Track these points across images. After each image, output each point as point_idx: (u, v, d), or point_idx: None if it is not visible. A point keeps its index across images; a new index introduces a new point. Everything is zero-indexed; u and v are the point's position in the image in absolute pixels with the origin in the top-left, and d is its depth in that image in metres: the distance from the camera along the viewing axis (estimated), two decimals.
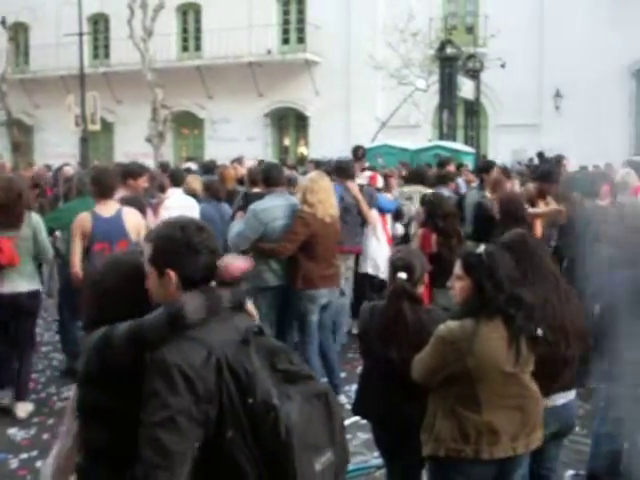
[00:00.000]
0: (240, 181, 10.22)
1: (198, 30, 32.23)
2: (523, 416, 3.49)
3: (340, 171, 8.18)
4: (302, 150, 31.34)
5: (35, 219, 6.54)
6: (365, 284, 8.20)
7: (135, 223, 6.54)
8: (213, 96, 31.27)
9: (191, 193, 8.67)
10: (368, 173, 8.89)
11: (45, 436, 6.14)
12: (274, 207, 6.55)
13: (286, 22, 31.22)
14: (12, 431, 6.29)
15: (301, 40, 30.61)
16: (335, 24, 28.43)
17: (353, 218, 8.00)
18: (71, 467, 2.64)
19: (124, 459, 2.30)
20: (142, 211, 7.00)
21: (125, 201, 7.02)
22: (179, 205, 8.00)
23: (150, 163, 19.42)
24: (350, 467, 5.23)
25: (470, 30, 28.00)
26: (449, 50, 20.16)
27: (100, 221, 6.41)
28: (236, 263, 2.46)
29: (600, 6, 24.02)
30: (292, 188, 7.68)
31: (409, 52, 23.90)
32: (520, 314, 3.42)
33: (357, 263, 8.56)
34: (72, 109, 24.53)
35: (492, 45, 24.73)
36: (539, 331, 3.63)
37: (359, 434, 5.82)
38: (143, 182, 7.91)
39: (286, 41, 31.05)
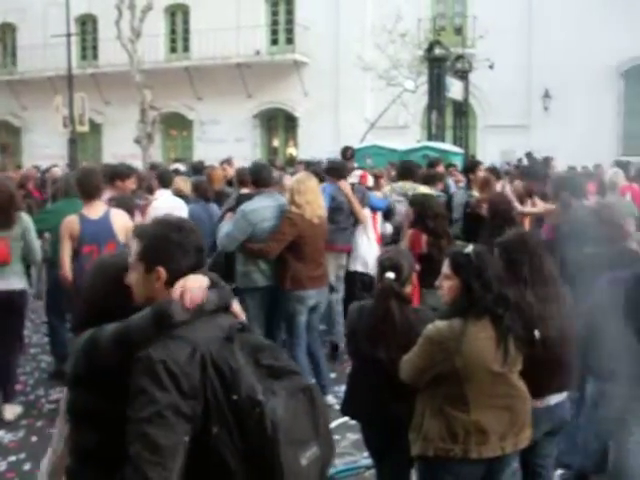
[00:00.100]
0: (229, 182, 10.22)
1: (186, 31, 32.14)
2: (511, 415, 3.50)
3: (333, 171, 8.20)
4: (291, 151, 31.33)
5: (25, 220, 6.56)
6: (355, 282, 8.21)
7: (123, 225, 6.52)
8: (202, 97, 31.21)
9: (179, 194, 8.66)
10: (359, 172, 8.90)
11: (33, 439, 6.12)
12: (263, 208, 6.55)
13: (275, 23, 31.19)
14: (0, 434, 6.26)
15: (290, 41, 30.59)
16: (324, 25, 28.41)
17: (345, 217, 8.01)
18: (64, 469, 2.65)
19: (113, 461, 2.30)
20: (130, 211, 6.98)
21: (114, 201, 7.00)
22: (167, 206, 7.96)
23: (138, 164, 19.37)
24: (340, 467, 5.26)
25: (458, 31, 28.03)
26: (437, 51, 20.16)
27: (88, 223, 6.39)
28: (194, 293, 2.44)
29: (588, 7, 24.10)
30: (279, 188, 7.69)
31: (397, 53, 23.91)
32: (508, 314, 3.43)
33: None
34: (60, 110, 24.41)
35: (480, 46, 24.78)
36: (536, 333, 3.65)
37: (348, 434, 5.82)
38: (131, 183, 7.90)
39: (275, 42, 31.01)
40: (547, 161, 12.99)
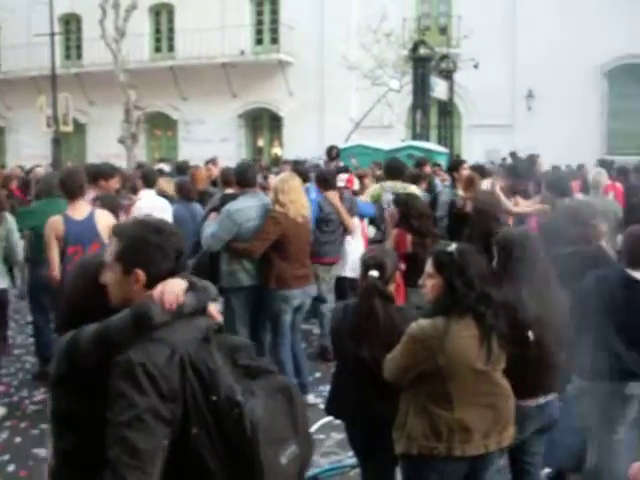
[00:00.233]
0: (214, 182, 10.20)
1: (171, 30, 32.08)
2: (495, 413, 3.51)
3: (323, 181, 8.15)
4: (276, 151, 31.32)
5: (9, 220, 6.55)
6: (345, 287, 8.22)
7: (107, 225, 6.47)
8: (186, 97, 31.14)
9: (163, 195, 8.64)
10: (344, 176, 8.89)
11: (17, 440, 6.08)
12: (248, 208, 6.55)
13: (259, 23, 31.17)
14: None
15: (274, 41, 30.58)
16: (308, 25, 28.41)
17: (334, 228, 7.99)
18: None
19: (93, 463, 2.29)
20: (115, 211, 6.96)
21: (99, 200, 6.98)
22: (151, 206, 7.96)
23: (123, 164, 19.31)
24: (324, 467, 5.27)
25: (443, 31, 28.13)
26: (422, 51, 20.22)
27: (72, 224, 6.37)
28: (173, 297, 2.43)
29: (572, 7, 24.20)
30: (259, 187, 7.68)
31: (382, 53, 23.96)
32: (490, 312, 3.44)
33: None
34: (44, 110, 24.33)
35: (465, 46, 24.86)
36: (530, 334, 3.67)
37: (333, 434, 5.83)
38: (115, 183, 7.88)
39: (259, 42, 30.99)
40: (532, 159, 12.99)
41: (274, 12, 30.65)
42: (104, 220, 6.51)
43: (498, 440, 3.54)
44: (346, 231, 8.11)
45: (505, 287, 3.87)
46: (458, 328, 3.41)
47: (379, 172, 11.83)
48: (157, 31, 32.70)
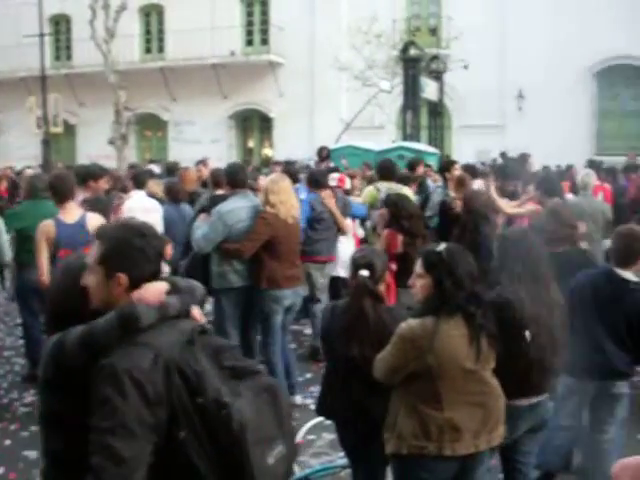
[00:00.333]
0: (204, 183, 10.19)
1: (161, 31, 32.04)
2: (484, 413, 3.52)
3: (314, 182, 8.18)
4: (266, 152, 31.29)
5: None
6: (339, 287, 8.23)
7: None
8: (176, 98, 31.10)
9: (152, 196, 8.63)
10: (335, 175, 8.91)
11: (7, 442, 6.05)
12: (238, 209, 6.54)
13: (250, 23, 31.14)
14: None
15: (265, 42, 30.57)
16: (299, 26, 28.40)
17: (327, 227, 8.01)
18: None
19: (80, 465, 2.28)
20: (106, 213, 6.95)
21: (87, 203, 6.96)
22: (142, 207, 7.96)
23: (113, 165, 19.28)
24: (316, 467, 5.27)
25: (433, 32, 28.19)
26: (412, 52, 20.24)
27: (64, 227, 6.35)
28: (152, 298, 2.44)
29: (562, 8, 24.28)
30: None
31: (373, 54, 23.98)
32: (480, 312, 3.45)
33: None
34: (34, 111, 24.27)
35: (455, 47, 24.93)
36: (527, 333, 3.68)
37: (324, 434, 5.83)
38: (104, 183, 7.89)
39: (250, 42, 30.98)
40: (524, 158, 12.94)
41: (264, 13, 30.64)
42: (95, 223, 6.46)
43: (488, 439, 3.55)
44: (340, 230, 8.14)
45: (503, 286, 3.89)
46: (447, 328, 3.42)
47: (369, 173, 11.84)
48: (147, 32, 32.65)
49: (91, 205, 6.85)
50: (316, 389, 6.43)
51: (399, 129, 22.24)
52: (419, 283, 3.59)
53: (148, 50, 32.47)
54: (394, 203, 6.72)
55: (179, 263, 7.20)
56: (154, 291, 2.43)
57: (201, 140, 29.76)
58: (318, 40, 28.18)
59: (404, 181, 9.30)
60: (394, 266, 5.88)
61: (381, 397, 3.64)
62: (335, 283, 8.33)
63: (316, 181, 8.14)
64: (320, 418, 4.84)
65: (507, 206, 8.46)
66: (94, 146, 28.36)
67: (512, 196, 8.58)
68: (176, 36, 29.62)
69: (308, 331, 8.95)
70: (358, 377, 3.81)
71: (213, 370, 2.34)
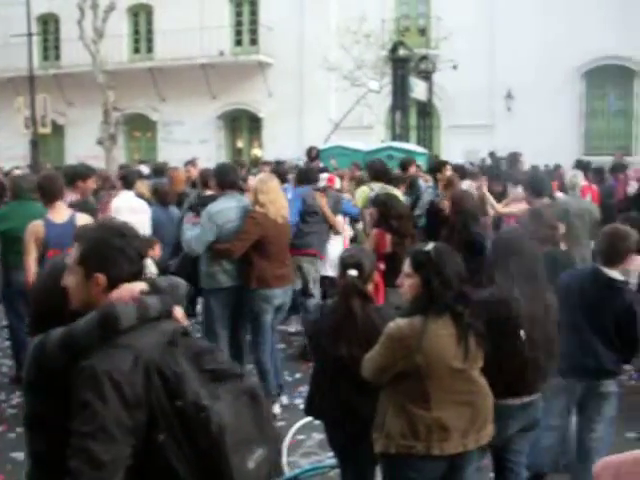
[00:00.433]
0: (193, 183, 10.17)
1: (150, 31, 31.93)
2: (473, 412, 3.52)
3: (302, 178, 8.24)
4: (256, 152, 31.25)
5: None
6: (326, 285, 8.23)
7: None
8: (165, 98, 31.03)
9: (140, 197, 8.62)
10: (325, 175, 8.91)
11: None
12: (227, 209, 6.53)
13: (239, 23, 31.08)
14: None
15: (254, 42, 30.52)
16: (288, 26, 28.39)
17: (319, 220, 8.04)
18: None
19: (62, 468, 2.27)
20: (94, 214, 6.94)
21: (76, 207, 6.94)
22: (129, 207, 7.94)
23: (102, 166, 19.21)
24: (305, 467, 5.27)
25: (422, 32, 28.25)
26: (401, 52, 20.23)
27: (53, 227, 6.33)
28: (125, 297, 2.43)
29: (550, 8, 24.37)
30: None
31: (362, 54, 24.00)
32: (468, 311, 3.46)
33: None
34: (22, 111, 24.14)
35: (444, 47, 24.95)
36: (522, 333, 3.69)
37: (313, 434, 5.83)
38: (92, 183, 7.87)
39: (239, 42, 30.92)
40: (515, 157, 12.89)
41: (253, 13, 30.59)
42: (85, 223, 6.49)
43: (476, 438, 3.55)
44: (332, 228, 8.17)
45: (498, 285, 3.91)
46: (435, 327, 3.42)
47: (358, 173, 11.84)
48: (136, 32, 32.54)
49: (79, 209, 6.83)
50: (305, 389, 6.40)
51: (388, 129, 22.27)
52: (407, 283, 3.60)
53: (137, 50, 32.38)
54: (383, 203, 6.73)
55: (168, 264, 7.19)
56: (127, 291, 2.42)
57: (190, 140, 29.68)
58: (307, 40, 28.18)
59: (394, 182, 9.31)
60: (382, 266, 5.89)
61: (369, 397, 3.64)
62: (323, 282, 8.33)
63: (303, 175, 8.20)
64: (309, 418, 4.84)
65: (499, 206, 8.50)
66: (83, 146, 28.27)
67: (500, 196, 8.59)
68: (165, 36, 29.53)
69: (293, 329, 8.97)
70: (346, 377, 3.81)
71: (193, 373, 2.33)
